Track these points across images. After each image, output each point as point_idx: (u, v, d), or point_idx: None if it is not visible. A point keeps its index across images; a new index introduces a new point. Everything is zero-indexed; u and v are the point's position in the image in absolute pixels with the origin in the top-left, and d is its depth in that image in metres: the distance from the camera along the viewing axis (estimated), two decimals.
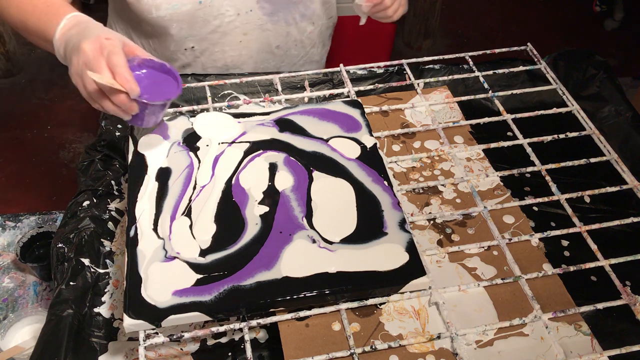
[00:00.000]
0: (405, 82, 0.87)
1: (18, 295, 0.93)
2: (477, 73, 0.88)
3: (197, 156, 0.71)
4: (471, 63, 0.90)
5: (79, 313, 0.66)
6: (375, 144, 0.73)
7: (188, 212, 0.66)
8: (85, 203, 0.76)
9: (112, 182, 0.80)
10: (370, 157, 0.72)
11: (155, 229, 0.64)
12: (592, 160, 0.77)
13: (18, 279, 0.95)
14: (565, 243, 0.73)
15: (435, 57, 0.91)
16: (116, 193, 0.80)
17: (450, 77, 0.88)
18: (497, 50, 0.92)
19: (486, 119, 0.82)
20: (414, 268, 0.61)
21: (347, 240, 0.63)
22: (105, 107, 0.63)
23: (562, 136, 0.79)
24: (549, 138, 0.79)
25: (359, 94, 0.85)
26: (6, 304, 0.92)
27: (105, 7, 0.98)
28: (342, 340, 0.60)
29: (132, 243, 0.63)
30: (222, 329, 0.59)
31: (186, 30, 0.88)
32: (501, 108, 0.83)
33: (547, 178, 0.74)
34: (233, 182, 0.69)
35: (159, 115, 0.69)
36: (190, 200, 0.67)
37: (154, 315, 0.57)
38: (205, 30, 0.88)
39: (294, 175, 0.69)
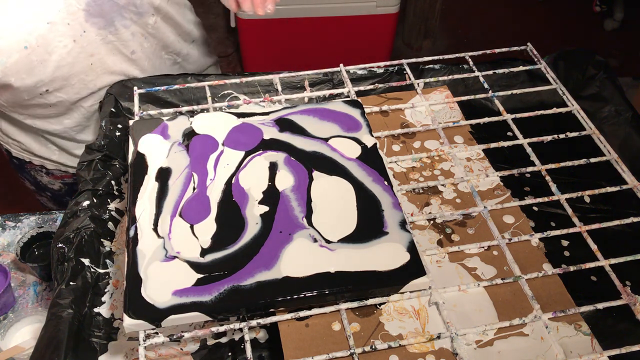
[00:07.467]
0: (405, 82, 0.87)
1: (18, 295, 0.93)
2: (477, 73, 0.88)
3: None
4: (471, 63, 0.90)
5: (79, 313, 0.66)
6: (375, 143, 0.73)
7: None
8: (85, 203, 0.76)
9: (112, 182, 0.80)
10: (370, 157, 0.72)
11: (155, 229, 0.64)
12: (592, 160, 0.77)
13: (18, 279, 0.95)
14: (565, 243, 0.73)
15: (435, 57, 0.91)
16: (116, 193, 0.80)
17: (450, 77, 0.88)
18: (497, 50, 0.92)
19: (486, 119, 0.82)
20: (414, 268, 0.61)
21: (347, 240, 0.63)
22: None
23: (562, 136, 0.79)
24: (549, 138, 0.79)
25: (359, 94, 0.85)
26: None
27: None
28: (342, 340, 0.60)
29: (132, 243, 0.63)
30: (222, 329, 0.59)
31: (29, 78, 0.84)
32: (501, 108, 0.83)
33: (547, 178, 0.74)
34: (233, 181, 0.69)
35: None
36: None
37: (154, 315, 0.57)
38: (48, 70, 0.85)
39: (294, 175, 0.69)
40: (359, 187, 0.68)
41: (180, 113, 0.80)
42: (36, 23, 0.80)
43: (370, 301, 0.62)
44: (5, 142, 1.04)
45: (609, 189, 0.73)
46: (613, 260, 0.66)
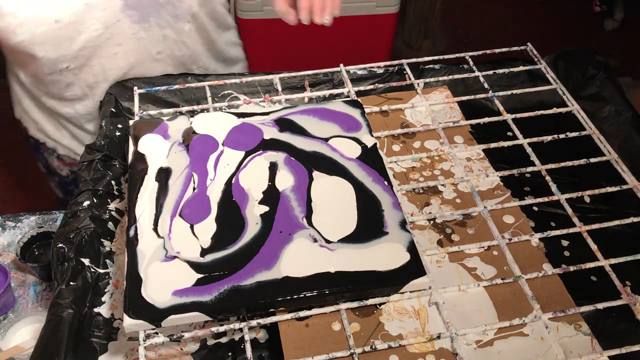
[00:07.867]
0: (405, 82, 0.87)
1: (18, 295, 0.93)
2: (477, 73, 0.88)
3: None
4: (471, 63, 0.90)
5: (79, 313, 0.66)
6: (375, 143, 0.73)
7: None
8: (85, 203, 0.76)
9: (112, 182, 0.80)
10: (370, 157, 0.72)
11: (155, 229, 0.64)
12: (592, 160, 0.77)
13: (18, 279, 0.95)
14: (565, 243, 0.73)
15: (435, 57, 0.91)
16: (116, 193, 0.80)
17: (450, 77, 0.88)
18: (497, 50, 0.92)
19: (486, 119, 0.82)
20: (414, 268, 0.61)
21: (347, 240, 0.63)
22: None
23: (562, 136, 0.79)
24: (549, 138, 0.79)
25: (359, 94, 0.85)
26: None
27: None
28: (342, 340, 0.60)
29: (132, 243, 0.63)
30: (222, 329, 0.59)
31: (53, 52, 0.85)
32: (501, 108, 0.83)
33: (547, 178, 0.74)
34: (233, 181, 0.69)
35: None
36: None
37: (154, 315, 0.57)
38: (74, 47, 0.86)
39: (294, 175, 0.69)
40: (359, 187, 0.68)
41: (180, 113, 0.80)
42: (73, 1, 0.82)
43: (370, 301, 0.62)
44: (24, 120, 1.06)
45: (609, 189, 0.73)
46: (613, 260, 0.66)
